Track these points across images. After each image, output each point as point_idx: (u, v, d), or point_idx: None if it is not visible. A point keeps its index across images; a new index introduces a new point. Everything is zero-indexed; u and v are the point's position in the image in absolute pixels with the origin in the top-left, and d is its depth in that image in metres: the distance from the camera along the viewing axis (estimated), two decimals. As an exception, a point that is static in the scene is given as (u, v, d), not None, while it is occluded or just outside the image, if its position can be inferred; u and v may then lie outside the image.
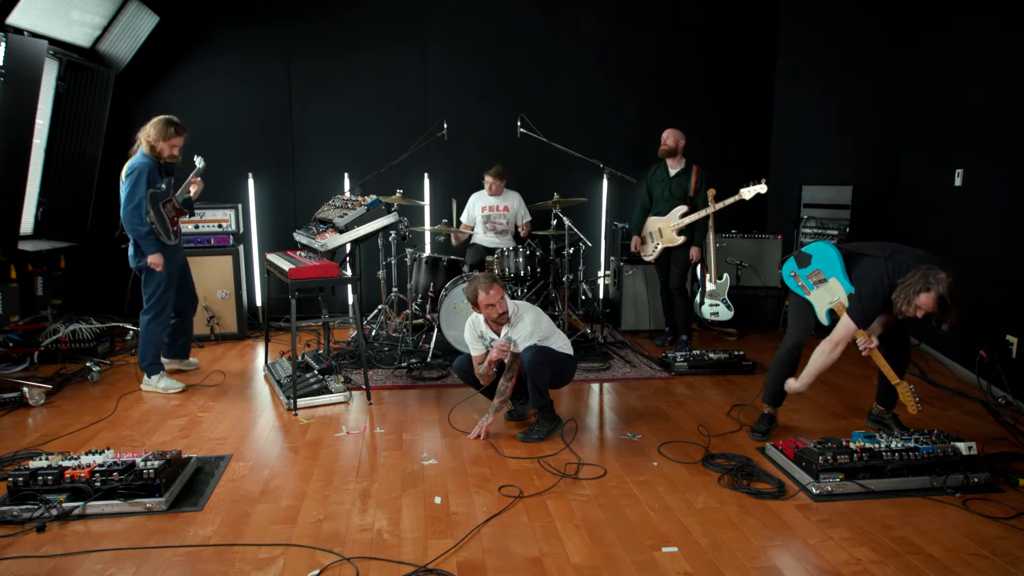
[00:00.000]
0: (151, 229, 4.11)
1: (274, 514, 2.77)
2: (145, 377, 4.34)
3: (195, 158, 4.34)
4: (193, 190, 4.43)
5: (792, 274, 3.53)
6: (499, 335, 3.54)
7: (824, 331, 3.48)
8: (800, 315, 3.58)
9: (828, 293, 3.38)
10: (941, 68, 5.14)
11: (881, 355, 3.34)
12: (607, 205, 6.54)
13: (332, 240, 4.11)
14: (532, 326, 3.46)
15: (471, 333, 3.70)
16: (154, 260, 4.15)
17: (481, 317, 3.59)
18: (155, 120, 4.12)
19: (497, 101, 6.31)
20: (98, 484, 2.76)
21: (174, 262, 4.32)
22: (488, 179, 5.62)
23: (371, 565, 2.41)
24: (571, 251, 5.31)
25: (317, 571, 2.37)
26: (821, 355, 3.31)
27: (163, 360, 4.60)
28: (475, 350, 3.69)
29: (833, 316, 3.39)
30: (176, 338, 4.61)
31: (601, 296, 6.54)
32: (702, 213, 5.04)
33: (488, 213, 5.72)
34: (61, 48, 4.90)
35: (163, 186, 4.16)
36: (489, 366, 3.58)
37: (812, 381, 3.38)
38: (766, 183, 4.77)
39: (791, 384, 3.45)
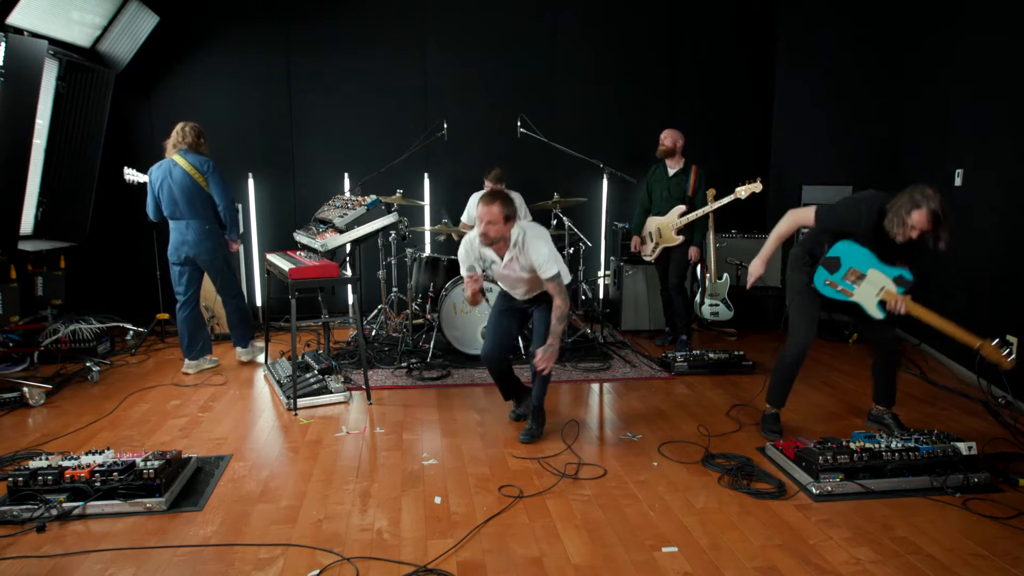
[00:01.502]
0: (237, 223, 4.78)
1: (274, 514, 2.77)
2: (240, 348, 4.95)
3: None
4: None
5: (827, 283, 3.36)
6: (502, 258, 3.40)
7: (825, 333, 3.47)
8: (803, 317, 3.49)
9: (872, 286, 3.29)
10: (941, 68, 5.14)
11: (919, 307, 3.19)
12: (607, 205, 6.54)
13: (332, 240, 4.12)
14: (547, 248, 3.29)
15: (467, 252, 3.51)
16: (237, 245, 4.84)
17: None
18: (197, 127, 4.57)
19: (497, 101, 6.31)
20: (98, 484, 2.76)
21: None
22: (489, 184, 5.60)
23: (371, 565, 2.41)
24: (571, 251, 5.31)
25: (317, 571, 2.37)
26: (778, 226, 3.40)
27: (188, 363, 4.72)
28: (466, 270, 3.50)
29: (884, 306, 3.30)
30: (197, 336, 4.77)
31: (601, 296, 6.54)
32: (699, 213, 5.04)
33: None
34: (61, 48, 4.90)
35: None
36: (476, 296, 3.43)
37: (770, 252, 3.41)
38: (761, 181, 4.77)
39: (753, 268, 3.41)
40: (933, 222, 3.00)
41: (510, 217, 3.33)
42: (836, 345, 5.45)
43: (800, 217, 3.37)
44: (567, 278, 3.45)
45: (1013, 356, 3.09)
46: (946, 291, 4.98)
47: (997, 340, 3.13)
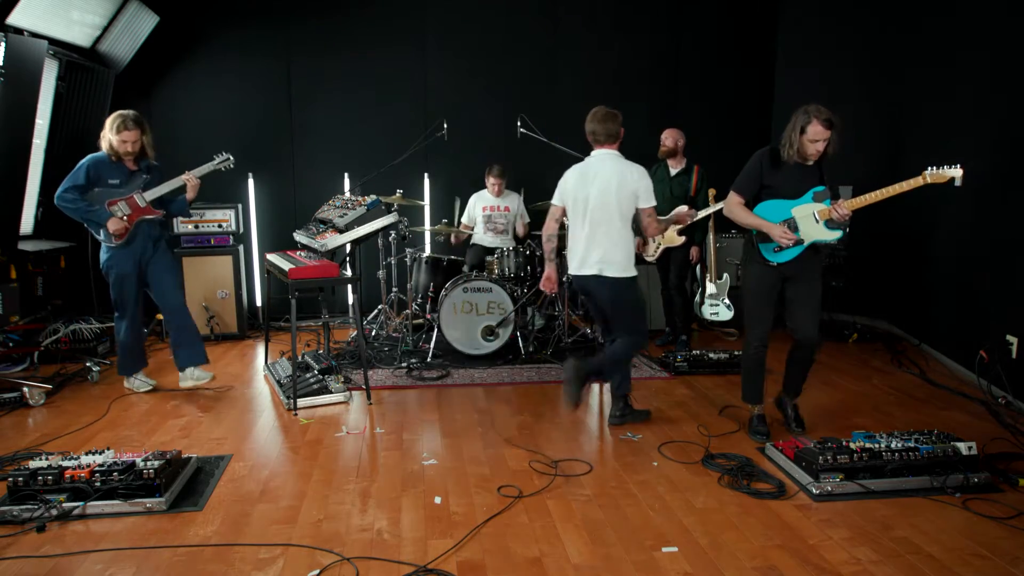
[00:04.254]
0: (83, 217, 4.00)
1: (274, 514, 2.77)
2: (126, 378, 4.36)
3: (218, 155, 4.31)
4: (189, 194, 4.23)
5: (775, 250, 3.45)
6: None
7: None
8: (755, 312, 3.55)
9: (806, 220, 3.37)
10: (941, 70, 5.14)
11: (856, 199, 3.30)
12: (607, 205, 6.53)
13: (332, 240, 4.11)
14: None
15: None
16: (110, 224, 3.99)
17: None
18: (112, 116, 4.00)
19: (497, 101, 6.31)
20: (98, 484, 2.76)
21: (126, 265, 4.07)
22: (492, 180, 5.66)
23: (371, 565, 2.41)
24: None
25: (317, 571, 2.37)
26: (738, 218, 3.53)
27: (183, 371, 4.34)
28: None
29: (830, 223, 3.34)
30: (179, 344, 4.30)
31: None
32: (703, 213, 5.03)
33: (489, 213, 5.75)
34: (61, 48, 4.90)
35: (116, 182, 4.03)
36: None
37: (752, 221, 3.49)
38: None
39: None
40: (829, 127, 3.24)
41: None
42: (836, 345, 5.46)
43: (732, 200, 3.52)
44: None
45: (957, 167, 3.15)
46: (946, 291, 4.99)
47: (931, 168, 3.20)
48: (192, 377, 4.31)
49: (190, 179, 4.21)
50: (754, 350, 3.57)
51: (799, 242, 3.39)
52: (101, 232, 4.04)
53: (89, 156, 4.03)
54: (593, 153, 3.64)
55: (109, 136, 3.98)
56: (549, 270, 3.81)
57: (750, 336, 3.58)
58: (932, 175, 3.19)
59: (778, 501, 2.88)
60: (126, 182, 4.07)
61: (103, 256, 4.10)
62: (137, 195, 4.07)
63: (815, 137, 3.26)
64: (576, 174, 3.65)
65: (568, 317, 5.32)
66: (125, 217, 4.04)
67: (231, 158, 4.36)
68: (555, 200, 3.75)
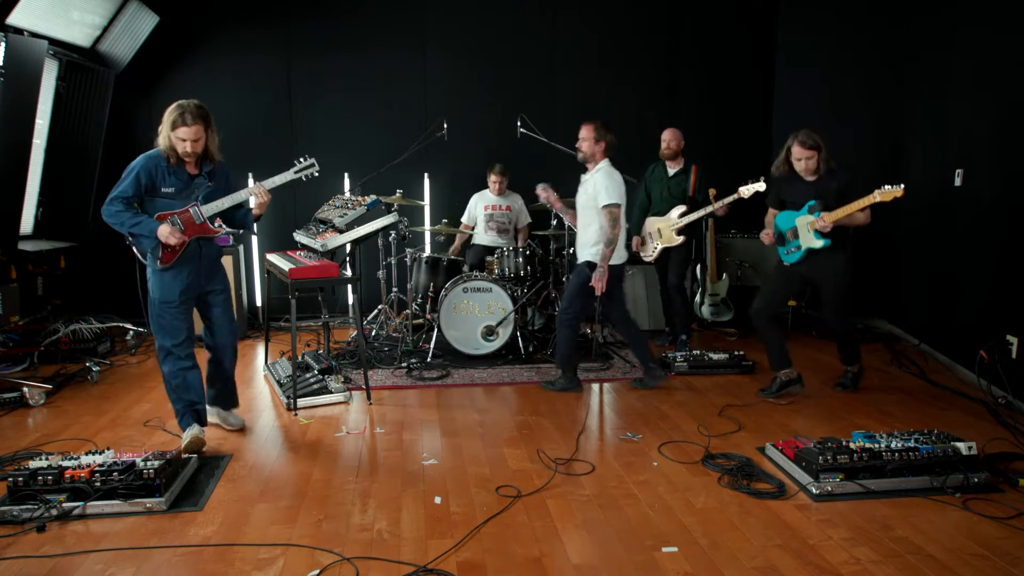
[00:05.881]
0: (128, 230, 3.24)
1: (274, 514, 2.77)
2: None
3: (298, 160, 3.70)
4: (256, 209, 3.54)
5: (787, 252, 4.14)
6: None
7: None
8: (766, 287, 4.32)
9: (804, 230, 3.97)
10: (940, 68, 5.14)
11: (832, 213, 3.80)
12: (607, 205, 6.54)
13: (332, 240, 4.11)
14: (612, 183, 4.13)
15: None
16: (162, 232, 3.22)
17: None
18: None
19: (497, 101, 6.31)
20: (98, 484, 2.76)
21: (171, 291, 3.35)
22: (494, 177, 5.67)
23: (371, 565, 2.41)
24: (571, 251, 5.31)
25: (317, 571, 2.37)
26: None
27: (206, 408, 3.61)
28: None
29: (820, 234, 3.88)
30: (212, 381, 3.67)
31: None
32: (701, 212, 5.04)
33: (491, 212, 5.75)
34: (61, 48, 4.90)
35: (171, 190, 3.27)
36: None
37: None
38: (765, 181, 4.77)
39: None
40: (810, 147, 3.85)
41: (599, 140, 4.18)
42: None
43: (769, 212, 4.27)
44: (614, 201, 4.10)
45: (900, 186, 3.67)
46: (945, 291, 4.99)
47: (884, 187, 3.68)
48: (219, 416, 3.72)
49: (259, 191, 3.49)
50: (754, 311, 4.21)
51: (799, 247, 4.02)
52: (146, 245, 3.26)
53: (143, 156, 3.24)
54: (608, 163, 4.23)
55: (166, 132, 3.20)
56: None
57: (754, 302, 4.25)
58: (882, 193, 3.70)
59: (778, 501, 2.88)
60: (183, 190, 3.30)
61: (149, 277, 3.38)
62: (193, 209, 3.31)
63: (798, 156, 3.91)
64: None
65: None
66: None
67: (315, 164, 3.69)
68: (618, 200, 4.10)
